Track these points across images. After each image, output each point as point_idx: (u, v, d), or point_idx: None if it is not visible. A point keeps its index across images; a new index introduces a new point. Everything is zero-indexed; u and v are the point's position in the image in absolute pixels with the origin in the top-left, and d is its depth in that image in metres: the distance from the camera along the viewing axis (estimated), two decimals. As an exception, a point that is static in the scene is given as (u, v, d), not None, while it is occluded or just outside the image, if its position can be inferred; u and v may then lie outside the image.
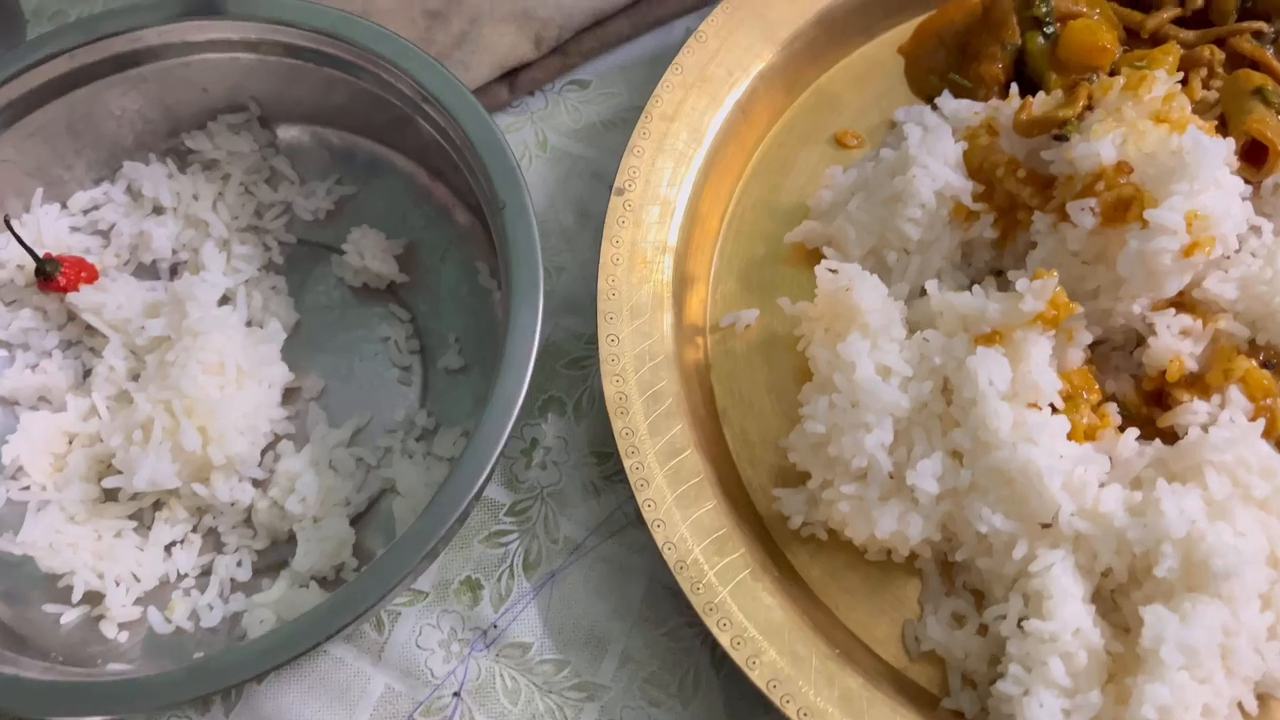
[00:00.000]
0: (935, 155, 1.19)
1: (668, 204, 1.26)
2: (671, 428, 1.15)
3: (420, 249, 1.30)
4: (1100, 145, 1.07)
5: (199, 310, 1.15)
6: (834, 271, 1.16)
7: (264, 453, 1.17)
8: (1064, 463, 1.01)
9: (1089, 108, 1.16)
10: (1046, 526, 1.03)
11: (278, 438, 1.19)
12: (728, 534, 1.10)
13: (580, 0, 1.38)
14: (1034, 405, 1.05)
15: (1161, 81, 1.13)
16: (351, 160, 1.33)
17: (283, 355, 1.22)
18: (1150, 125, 1.08)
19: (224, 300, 1.24)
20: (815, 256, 1.27)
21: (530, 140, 1.40)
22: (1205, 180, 1.02)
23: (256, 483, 1.16)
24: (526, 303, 1.08)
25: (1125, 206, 1.04)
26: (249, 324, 1.23)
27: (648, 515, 1.09)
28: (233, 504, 1.13)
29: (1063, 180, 1.13)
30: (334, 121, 1.32)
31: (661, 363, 1.18)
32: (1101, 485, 1.03)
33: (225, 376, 1.12)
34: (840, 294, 1.13)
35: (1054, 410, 1.05)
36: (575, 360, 1.27)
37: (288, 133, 1.34)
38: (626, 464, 1.11)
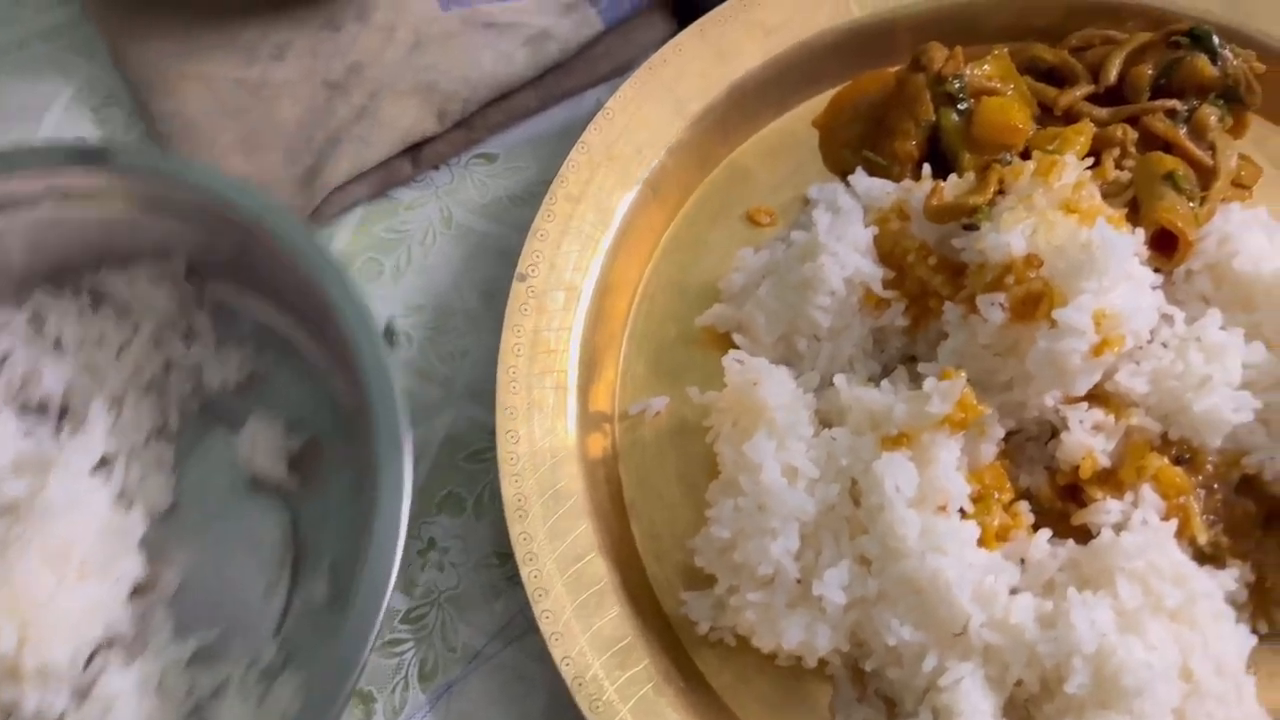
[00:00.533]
0: (845, 241, 1.15)
1: (573, 289, 1.21)
2: (574, 529, 1.10)
3: (321, 450, 1.14)
4: (1010, 236, 1.04)
5: (62, 484, 1.02)
6: (741, 363, 1.12)
7: (91, 657, 1.02)
8: (973, 571, 0.98)
9: (1000, 193, 1.14)
10: (958, 635, 0.99)
11: (111, 641, 1.03)
12: (631, 643, 1.05)
13: (485, 73, 1.34)
14: (943, 509, 1.01)
15: (1071, 167, 1.10)
16: (272, 336, 1.18)
17: (145, 541, 1.07)
18: (1060, 215, 1.05)
19: (102, 462, 1.10)
20: (728, 339, 1.23)
21: (435, 217, 1.35)
22: (1114, 276, 1.00)
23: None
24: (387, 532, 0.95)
25: (1034, 303, 1.01)
26: (120, 496, 1.09)
27: (545, 628, 1.04)
28: (37, 716, 0.98)
29: (974, 269, 1.10)
30: (263, 291, 1.17)
31: (564, 459, 1.13)
32: (1013, 592, 1.00)
33: (67, 568, 0.99)
34: (747, 388, 1.09)
35: (963, 514, 1.02)
36: (477, 453, 1.21)
37: (217, 289, 1.19)
38: (524, 572, 1.06)
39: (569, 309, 1.20)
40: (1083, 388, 1.02)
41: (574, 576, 1.07)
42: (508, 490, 1.10)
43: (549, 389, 1.16)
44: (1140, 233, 1.08)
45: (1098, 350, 1.00)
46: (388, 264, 1.33)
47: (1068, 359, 0.99)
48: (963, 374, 1.01)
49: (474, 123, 1.36)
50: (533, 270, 1.20)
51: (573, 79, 1.39)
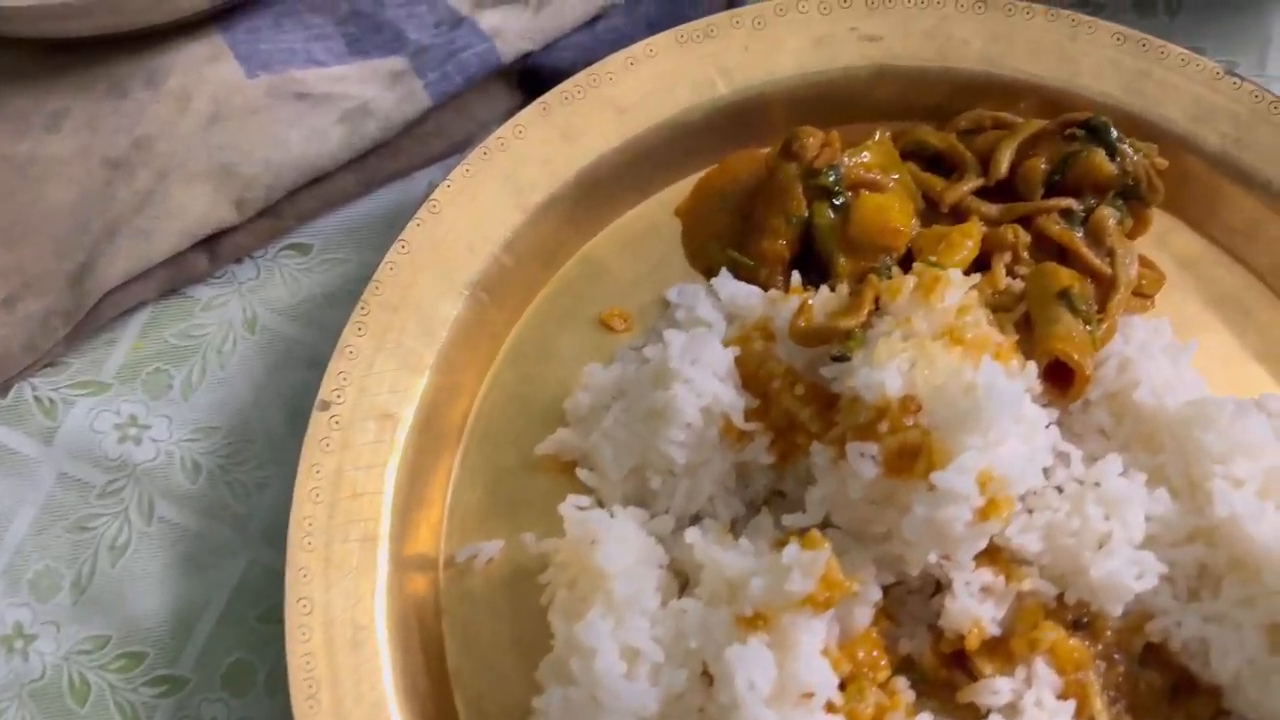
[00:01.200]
0: (701, 364, 1.00)
1: (389, 416, 1.04)
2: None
3: None
4: (884, 373, 0.90)
5: None
6: (581, 513, 0.96)
7: None
8: (842, 781, 0.83)
9: (876, 310, 0.99)
10: None
11: None
12: None
13: (293, 155, 1.14)
14: (808, 696, 0.86)
15: (956, 285, 0.97)
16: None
17: None
18: (941, 348, 0.91)
19: None
20: (574, 467, 1.07)
21: (237, 319, 1.15)
22: (1001, 429, 0.86)
23: None
24: None
25: (910, 457, 0.87)
26: None
27: None
28: None
29: (846, 403, 0.95)
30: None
31: (368, 631, 0.95)
32: (889, 797, 0.85)
33: None
34: (584, 548, 0.93)
35: (830, 708, 0.87)
36: (272, 609, 1.02)
37: None
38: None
39: (383, 441, 1.03)
40: (967, 556, 0.88)
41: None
42: (296, 673, 0.92)
43: (353, 542, 0.98)
44: (1032, 368, 0.94)
45: (984, 514, 0.86)
46: (178, 376, 1.13)
47: (949, 527, 0.85)
48: (826, 546, 0.86)
49: (282, 210, 1.16)
50: (338, 396, 1.02)
51: (399, 160, 1.20)
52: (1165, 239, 1.18)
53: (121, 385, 1.12)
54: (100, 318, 1.12)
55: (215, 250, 1.16)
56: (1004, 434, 0.86)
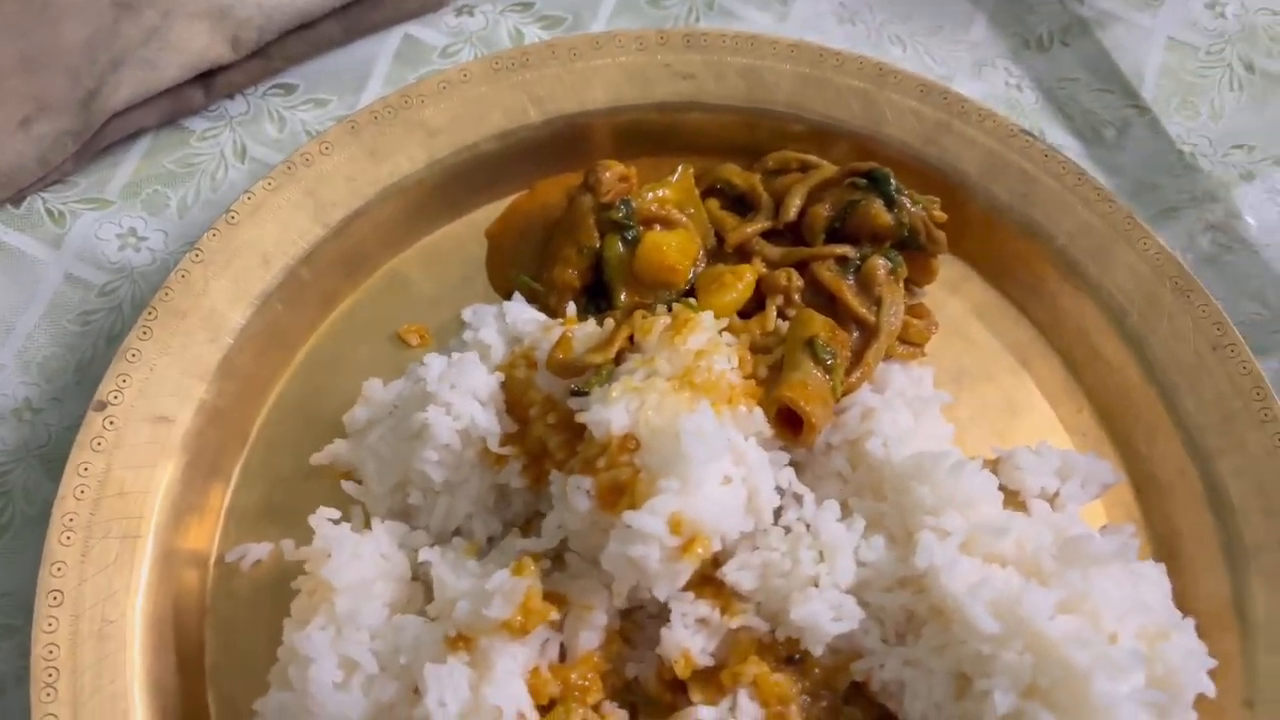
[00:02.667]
0: (462, 389, 1.04)
1: (165, 419, 1.07)
2: (119, 710, 0.97)
3: None
4: (613, 411, 0.94)
5: None
6: (330, 525, 1.00)
7: None
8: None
9: (630, 347, 1.03)
10: None
11: None
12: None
13: (283, 1, 1.26)
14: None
15: (704, 330, 1.01)
16: None
17: None
18: (670, 390, 0.95)
19: None
20: (349, 478, 1.11)
21: (228, 149, 1.28)
22: (700, 478, 0.89)
23: None
24: None
25: (619, 493, 0.91)
26: None
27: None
28: None
29: (587, 437, 0.99)
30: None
31: (117, 625, 0.99)
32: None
33: None
34: (319, 560, 0.97)
35: (527, 728, 0.91)
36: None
37: None
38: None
39: (156, 442, 1.07)
40: (665, 591, 0.92)
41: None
42: (37, 662, 0.96)
43: (114, 539, 1.02)
44: (759, 412, 0.98)
45: (685, 550, 0.90)
46: (175, 198, 1.26)
47: (644, 563, 0.89)
48: (531, 575, 0.91)
49: (272, 51, 1.29)
50: (115, 398, 1.06)
51: (379, 12, 1.32)
52: (959, 287, 1.23)
53: (123, 202, 1.25)
54: (105, 139, 1.25)
55: (210, 86, 1.28)
56: (702, 479, 0.90)
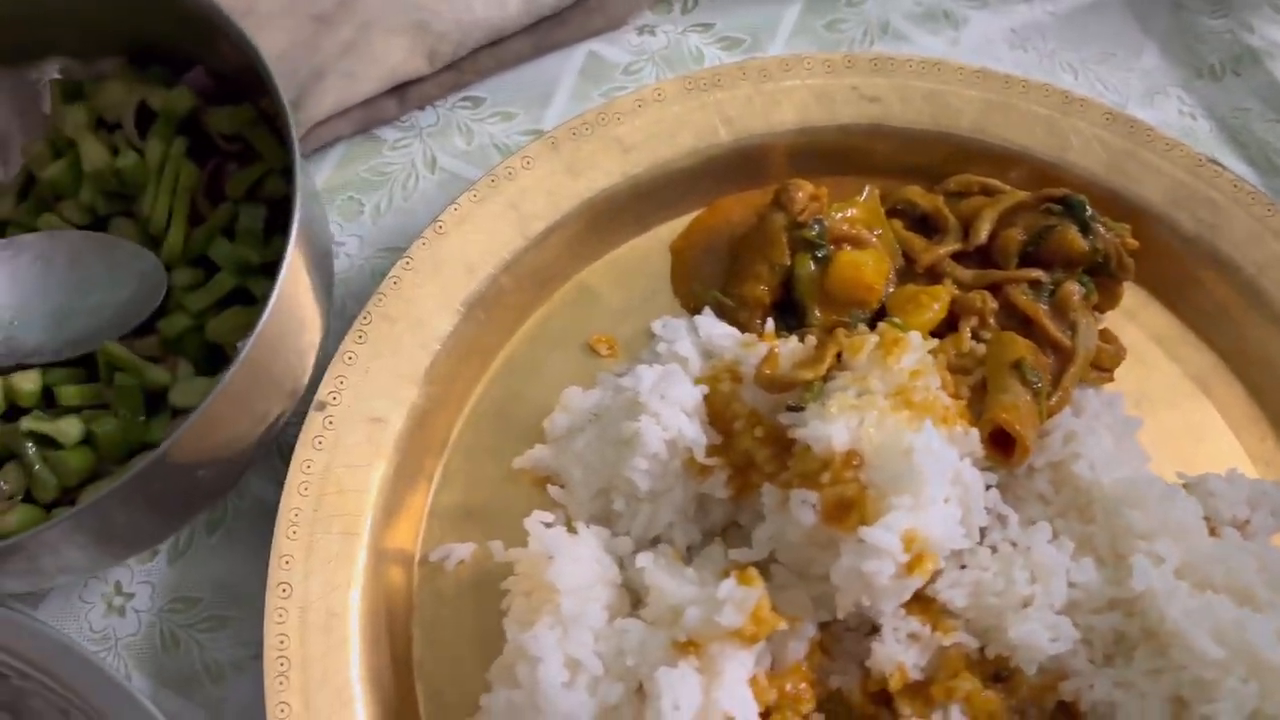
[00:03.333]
0: (670, 400, 1.06)
1: (379, 420, 1.11)
2: (343, 696, 1.00)
3: None
4: (833, 427, 0.96)
5: None
6: (544, 529, 1.03)
7: None
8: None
9: (837, 364, 1.06)
10: None
11: None
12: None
13: (479, 16, 1.31)
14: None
15: (914, 350, 1.03)
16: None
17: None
18: (889, 409, 0.97)
19: None
20: (547, 482, 1.14)
21: (418, 159, 1.33)
22: (931, 494, 0.92)
23: None
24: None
25: (846, 509, 0.93)
26: None
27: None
28: None
29: (799, 451, 1.01)
30: None
31: (340, 619, 1.03)
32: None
33: None
34: (541, 563, 1.00)
35: (752, 733, 0.93)
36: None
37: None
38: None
39: (371, 443, 1.11)
40: (889, 606, 0.94)
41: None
42: (270, 651, 1.00)
43: (335, 535, 1.06)
44: (975, 433, 1.00)
45: (909, 569, 0.92)
46: (368, 204, 1.30)
47: (874, 579, 0.91)
48: (760, 585, 0.93)
49: (463, 65, 1.34)
50: (333, 398, 1.10)
51: (566, 30, 1.37)
52: (1137, 314, 1.24)
53: (319, 208, 1.33)
54: (305, 149, 1.30)
55: (403, 97, 1.33)
56: (933, 497, 0.92)
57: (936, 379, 1.02)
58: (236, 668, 1.09)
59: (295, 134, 0.99)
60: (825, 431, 0.96)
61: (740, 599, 0.92)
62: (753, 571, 0.95)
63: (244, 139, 1.15)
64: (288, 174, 1.03)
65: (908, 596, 0.95)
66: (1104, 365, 1.16)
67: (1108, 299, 1.20)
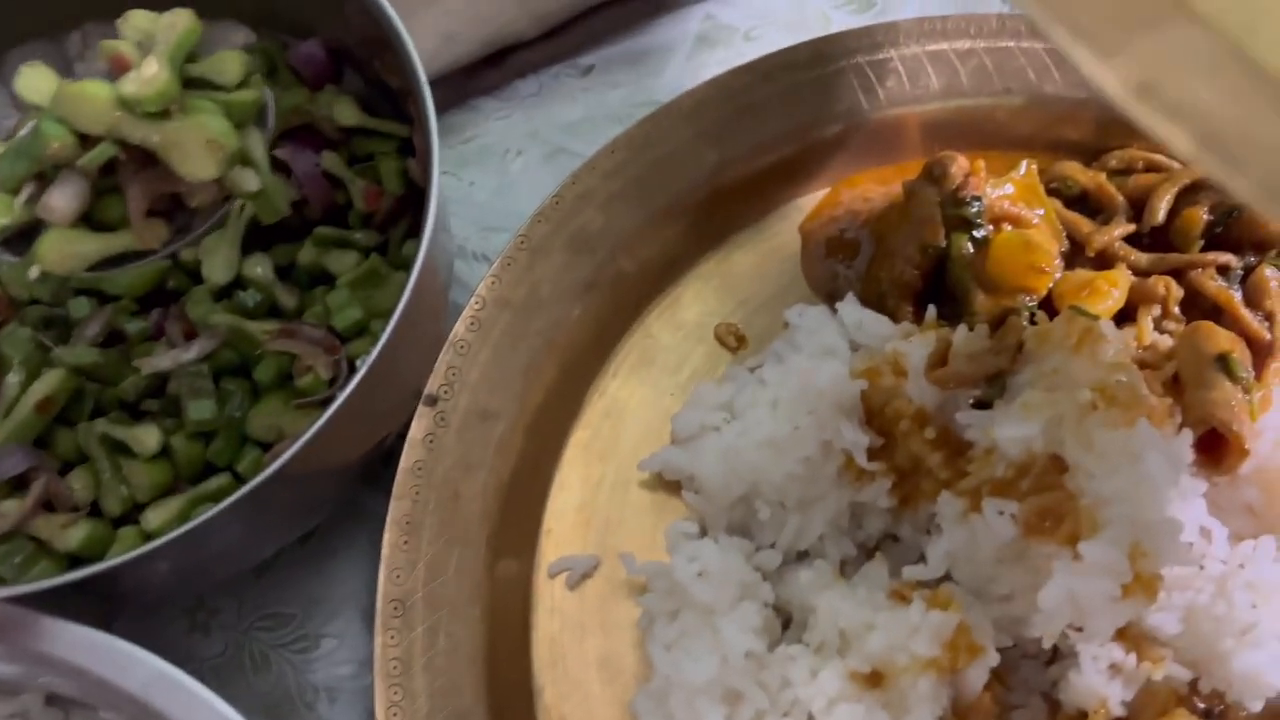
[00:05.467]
0: (826, 397, 0.94)
1: (493, 416, 1.00)
2: (461, 731, 0.89)
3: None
4: (1029, 427, 0.84)
5: None
6: (688, 540, 0.91)
7: None
8: None
9: (1018, 354, 0.94)
10: None
11: None
12: None
13: None
14: (918, 759, 0.81)
15: (1110, 339, 0.91)
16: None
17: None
18: (1091, 407, 0.85)
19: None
20: (677, 487, 1.03)
21: (520, 131, 1.21)
22: (1160, 503, 0.79)
23: None
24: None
25: (1055, 519, 0.81)
26: None
27: None
28: None
29: (980, 454, 0.89)
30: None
31: (456, 640, 0.91)
32: None
33: None
34: (690, 580, 0.88)
35: (942, 779, 0.81)
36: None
37: None
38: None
39: (486, 441, 0.99)
40: (1103, 636, 0.82)
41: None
42: (381, 680, 0.88)
43: (451, 545, 0.94)
44: (1187, 435, 0.88)
45: (1129, 591, 0.80)
46: (464, 178, 1.19)
47: (1090, 600, 0.79)
48: (958, 612, 0.81)
49: (571, 30, 1.23)
50: (445, 393, 0.99)
51: None
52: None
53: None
54: None
55: (503, 64, 1.22)
56: (1161, 501, 0.80)
57: (1138, 374, 0.89)
58: (333, 691, 0.97)
59: (433, 121, 0.86)
60: (1021, 432, 0.84)
61: (937, 625, 0.80)
62: (946, 593, 0.83)
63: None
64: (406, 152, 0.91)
65: (1123, 624, 0.83)
66: (1302, 361, 1.03)
67: (1295, 287, 1.08)
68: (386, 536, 0.93)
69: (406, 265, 0.95)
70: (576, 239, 1.06)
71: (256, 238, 1.01)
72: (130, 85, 0.87)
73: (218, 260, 1.01)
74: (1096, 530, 0.79)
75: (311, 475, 0.84)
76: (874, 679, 0.81)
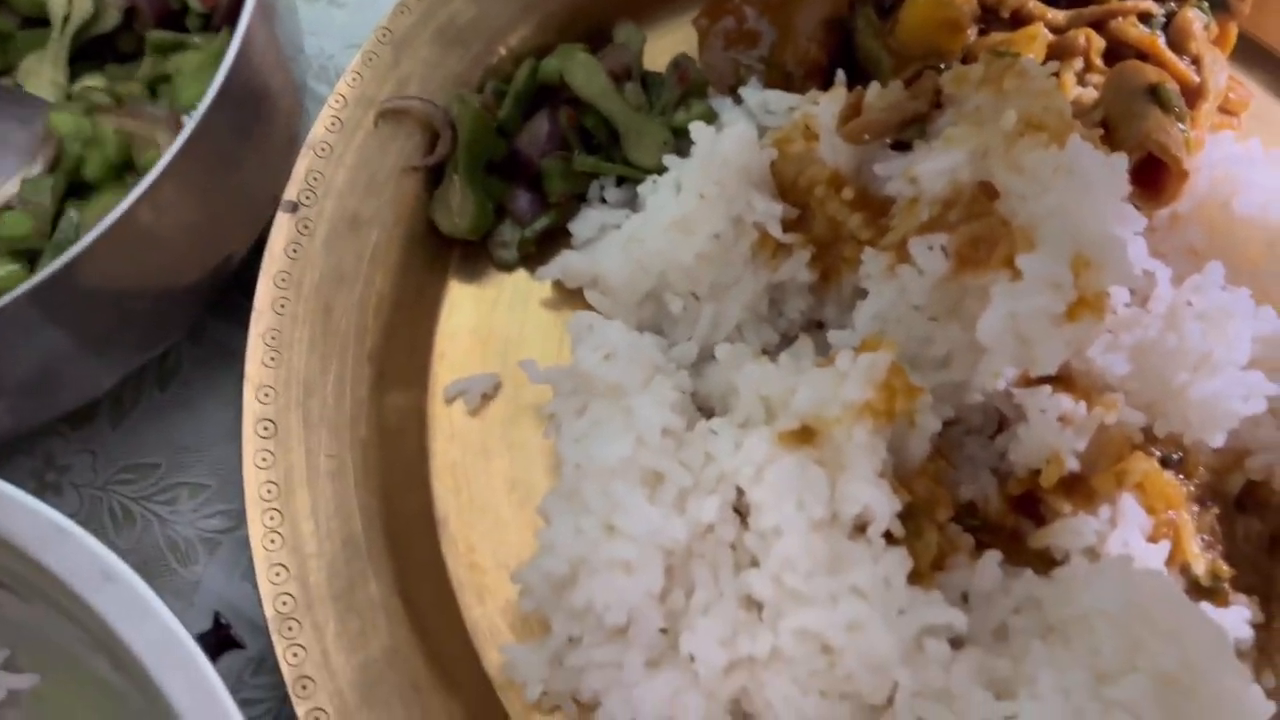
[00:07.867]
0: (731, 167, 0.85)
1: (363, 222, 0.89)
2: (354, 585, 0.78)
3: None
4: (953, 158, 0.76)
5: None
6: (591, 330, 0.82)
7: None
8: (904, 622, 0.70)
9: (937, 105, 0.85)
10: (881, 710, 0.71)
11: None
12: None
13: None
14: (861, 531, 0.73)
15: (1033, 73, 0.83)
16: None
17: None
18: (1017, 132, 0.77)
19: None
20: (577, 298, 0.93)
21: None
22: (1100, 211, 0.72)
23: None
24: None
25: (989, 247, 0.73)
26: None
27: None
28: None
29: (903, 205, 0.81)
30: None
31: (347, 467, 0.81)
32: (954, 645, 0.72)
33: None
34: (596, 364, 0.79)
35: (889, 539, 0.73)
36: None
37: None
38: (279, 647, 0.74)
39: (359, 252, 0.88)
40: (1050, 365, 0.74)
41: (349, 641, 0.75)
42: (256, 527, 0.77)
43: (325, 367, 0.84)
44: (1121, 160, 0.80)
45: (1073, 312, 0.72)
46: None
47: (1033, 323, 0.71)
48: (891, 345, 0.73)
49: None
50: (307, 198, 0.87)
51: None
52: (1248, 67, 1.05)
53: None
54: None
55: None
56: (1101, 215, 0.72)
57: (1067, 101, 0.82)
58: (210, 545, 0.86)
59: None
60: (946, 163, 0.76)
61: (867, 365, 0.72)
62: (878, 336, 0.74)
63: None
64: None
65: (1069, 353, 0.75)
66: (1231, 109, 0.97)
67: (1220, 40, 1.01)
68: (249, 351, 0.82)
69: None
70: (446, 31, 0.95)
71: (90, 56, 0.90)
72: None
73: (42, 82, 0.90)
74: (1034, 247, 0.71)
75: (140, 274, 0.72)
76: (804, 435, 0.72)
